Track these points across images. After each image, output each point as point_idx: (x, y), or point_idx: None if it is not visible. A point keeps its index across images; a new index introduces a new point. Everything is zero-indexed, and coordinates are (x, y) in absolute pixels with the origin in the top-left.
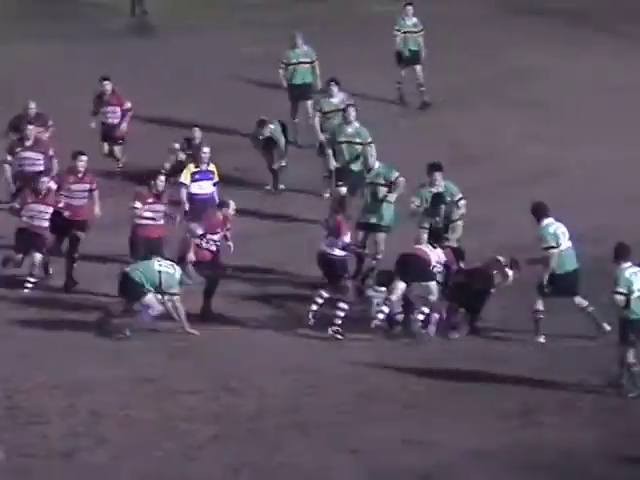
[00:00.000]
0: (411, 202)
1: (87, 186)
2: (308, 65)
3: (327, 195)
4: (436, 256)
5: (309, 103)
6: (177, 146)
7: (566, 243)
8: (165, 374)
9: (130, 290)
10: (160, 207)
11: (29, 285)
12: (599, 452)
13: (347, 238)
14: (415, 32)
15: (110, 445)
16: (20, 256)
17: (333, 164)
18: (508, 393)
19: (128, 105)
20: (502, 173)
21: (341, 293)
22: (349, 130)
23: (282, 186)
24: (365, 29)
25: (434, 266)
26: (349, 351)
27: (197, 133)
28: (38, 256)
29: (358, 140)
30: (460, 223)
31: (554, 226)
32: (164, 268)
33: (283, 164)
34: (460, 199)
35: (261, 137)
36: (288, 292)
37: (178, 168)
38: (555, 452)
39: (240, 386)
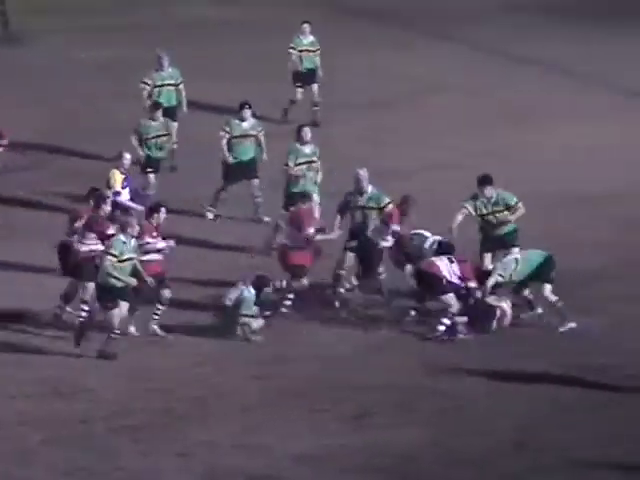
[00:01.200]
0: (463, 207)
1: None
2: (173, 87)
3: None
4: (452, 270)
5: (175, 125)
6: None
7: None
8: None
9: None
10: (160, 240)
11: (84, 314)
12: (435, 453)
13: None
14: (312, 50)
15: None
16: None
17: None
18: (344, 395)
19: None
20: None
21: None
22: (307, 150)
23: None
24: (187, 33)
25: (449, 281)
26: (189, 354)
27: None
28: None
29: (315, 159)
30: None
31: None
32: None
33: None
34: (516, 203)
35: (155, 122)
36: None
37: None
38: (391, 454)
39: (70, 390)
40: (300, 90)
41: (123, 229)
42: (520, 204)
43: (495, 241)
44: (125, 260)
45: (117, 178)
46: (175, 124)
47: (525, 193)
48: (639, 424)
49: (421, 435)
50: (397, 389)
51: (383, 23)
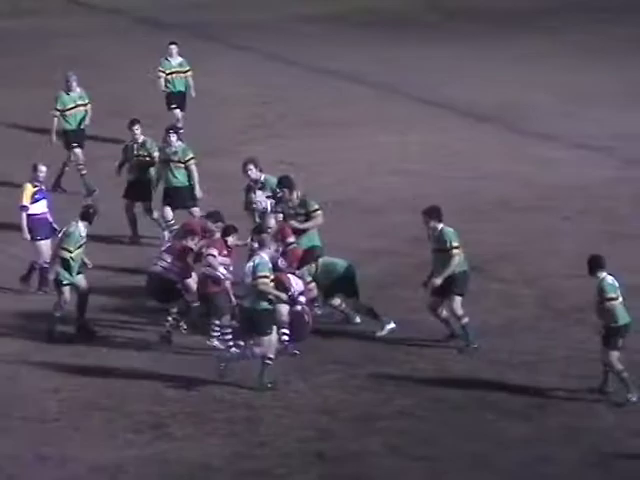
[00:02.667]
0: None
1: None
2: (83, 108)
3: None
4: (296, 284)
5: (79, 151)
6: None
7: None
8: None
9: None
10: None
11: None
12: (232, 463)
13: None
14: (182, 72)
15: None
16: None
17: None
18: (139, 407)
19: None
20: None
21: None
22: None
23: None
24: None
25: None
26: None
27: None
28: None
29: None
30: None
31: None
32: None
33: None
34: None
35: (133, 143)
36: None
37: None
38: (187, 463)
39: None
40: (177, 111)
41: (261, 246)
42: None
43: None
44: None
45: (28, 192)
46: (79, 150)
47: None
48: (443, 431)
49: (217, 445)
50: (191, 400)
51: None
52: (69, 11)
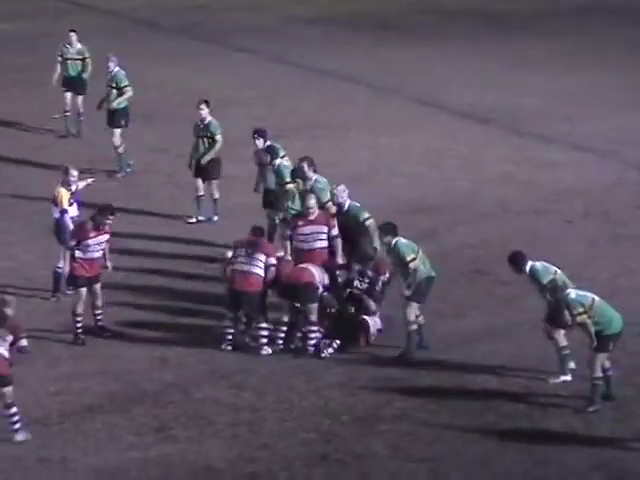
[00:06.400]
0: None
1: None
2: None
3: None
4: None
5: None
6: None
7: None
8: None
9: None
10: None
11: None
12: (235, 465)
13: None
14: (78, 59)
15: None
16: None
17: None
18: (142, 409)
19: None
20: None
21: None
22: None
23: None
24: None
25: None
26: None
27: None
28: None
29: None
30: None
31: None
32: None
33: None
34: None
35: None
36: None
37: None
38: (190, 466)
39: None
40: (68, 94)
41: None
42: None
43: None
44: None
45: (64, 196)
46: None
47: None
48: (445, 433)
49: (219, 447)
50: (193, 402)
51: (179, 36)
52: (66, 13)
